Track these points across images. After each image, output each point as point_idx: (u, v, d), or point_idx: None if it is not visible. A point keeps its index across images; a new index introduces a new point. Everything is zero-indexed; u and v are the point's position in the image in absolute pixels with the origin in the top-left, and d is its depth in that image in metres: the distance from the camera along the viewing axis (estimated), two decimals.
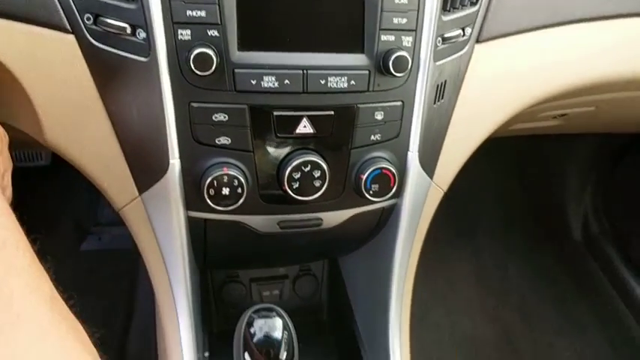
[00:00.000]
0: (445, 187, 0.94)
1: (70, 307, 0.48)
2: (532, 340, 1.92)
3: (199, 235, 0.88)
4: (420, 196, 0.91)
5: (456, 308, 1.98)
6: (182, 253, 0.86)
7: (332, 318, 1.31)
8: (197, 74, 0.70)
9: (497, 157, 2.18)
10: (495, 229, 2.24)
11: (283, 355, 0.65)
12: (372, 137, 0.81)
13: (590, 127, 1.51)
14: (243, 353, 0.67)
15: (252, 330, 0.66)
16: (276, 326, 0.66)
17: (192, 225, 0.85)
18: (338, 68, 0.75)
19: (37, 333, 0.43)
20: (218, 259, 1.03)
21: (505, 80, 0.90)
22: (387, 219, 0.94)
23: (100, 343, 0.49)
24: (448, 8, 0.81)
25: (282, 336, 0.66)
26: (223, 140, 0.76)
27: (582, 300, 2.04)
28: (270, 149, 0.79)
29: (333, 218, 0.89)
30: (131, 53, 0.71)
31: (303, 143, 0.79)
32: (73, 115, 0.76)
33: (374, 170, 0.81)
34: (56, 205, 2.01)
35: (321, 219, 0.88)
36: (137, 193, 0.82)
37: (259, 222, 0.86)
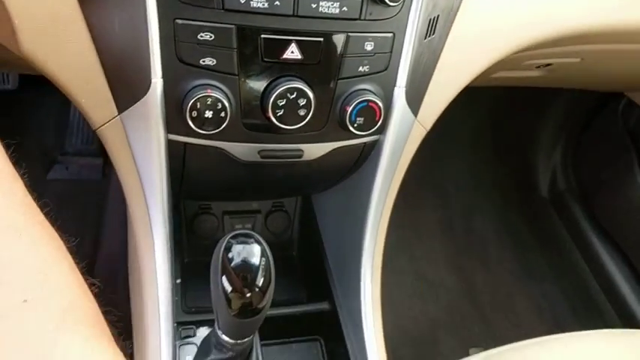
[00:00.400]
0: (428, 127, 0.93)
1: (45, 214, 0.46)
2: (492, 289, 1.98)
3: (178, 160, 0.86)
4: (403, 134, 0.90)
5: (421, 255, 2.02)
6: (160, 177, 0.84)
7: (302, 254, 1.31)
8: None
9: (473, 110, 2.19)
10: (464, 179, 2.26)
11: (260, 280, 0.65)
12: (361, 69, 0.80)
13: (573, 81, 1.51)
14: (221, 277, 0.66)
15: (230, 255, 0.65)
16: (254, 252, 0.65)
17: (172, 149, 0.83)
18: None
19: (9, 235, 0.41)
20: (194, 187, 1.01)
21: (497, 21, 0.89)
22: (367, 155, 0.94)
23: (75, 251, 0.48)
24: None
25: (260, 262, 0.65)
26: (208, 61, 0.74)
27: (543, 253, 2.10)
28: (256, 74, 0.77)
29: (314, 150, 0.88)
30: None
31: (290, 70, 0.77)
32: (51, 26, 0.72)
33: (360, 102, 0.80)
34: (22, 132, 1.95)
35: (302, 150, 0.87)
36: (116, 112, 0.79)
37: (240, 150, 0.85)
